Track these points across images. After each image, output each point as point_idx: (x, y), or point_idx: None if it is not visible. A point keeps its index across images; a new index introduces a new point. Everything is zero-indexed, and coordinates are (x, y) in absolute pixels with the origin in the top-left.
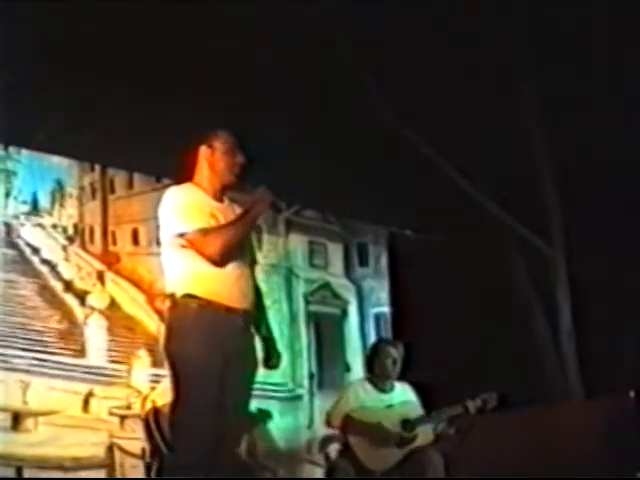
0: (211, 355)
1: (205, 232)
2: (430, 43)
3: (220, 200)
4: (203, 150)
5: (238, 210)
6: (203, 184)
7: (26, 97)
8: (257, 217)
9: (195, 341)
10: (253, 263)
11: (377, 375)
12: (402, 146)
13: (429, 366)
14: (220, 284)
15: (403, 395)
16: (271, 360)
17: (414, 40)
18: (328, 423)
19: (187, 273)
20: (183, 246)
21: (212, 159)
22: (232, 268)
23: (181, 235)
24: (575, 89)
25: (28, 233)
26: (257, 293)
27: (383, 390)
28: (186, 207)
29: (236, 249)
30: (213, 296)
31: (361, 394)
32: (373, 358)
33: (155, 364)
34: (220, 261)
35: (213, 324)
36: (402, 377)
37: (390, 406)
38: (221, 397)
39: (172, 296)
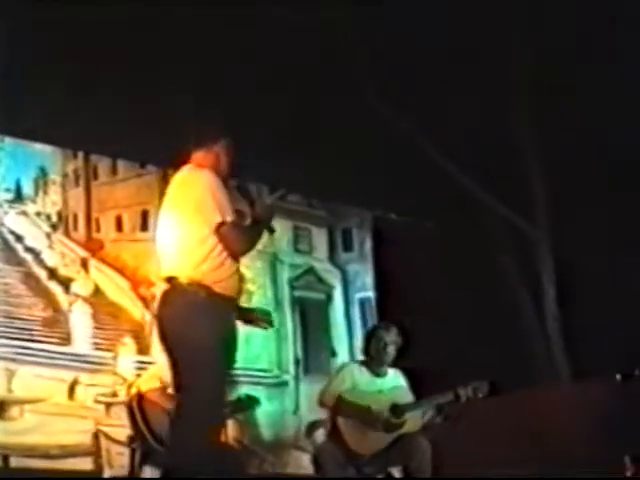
0: (214, 343)
1: (241, 228)
2: (417, 27)
3: None
4: (219, 147)
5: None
6: (215, 172)
7: (10, 86)
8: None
9: (200, 329)
10: None
11: (373, 359)
12: (385, 130)
13: (414, 351)
14: (223, 273)
15: (394, 380)
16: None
17: (403, 26)
18: (321, 402)
19: (199, 260)
20: (210, 233)
21: (228, 152)
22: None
23: (220, 224)
24: (562, 71)
25: (12, 221)
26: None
27: (377, 374)
28: (221, 196)
29: None
30: (217, 285)
31: (356, 376)
32: (370, 342)
33: (141, 351)
34: (241, 257)
35: (217, 313)
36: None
37: (380, 391)
38: (221, 384)
39: (173, 280)
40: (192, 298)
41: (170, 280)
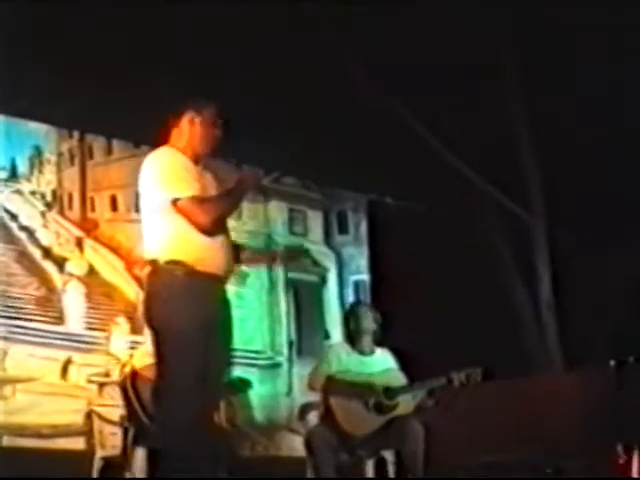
0: (196, 323)
1: (199, 202)
2: (412, 13)
3: (197, 164)
4: (188, 117)
5: (209, 176)
6: (182, 148)
7: (4, 64)
8: (246, 193)
9: (181, 309)
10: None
11: (352, 334)
12: (382, 114)
13: (407, 333)
14: (206, 251)
15: (385, 362)
16: None
17: (397, 11)
18: (310, 385)
19: (172, 239)
20: (173, 211)
21: (195, 127)
22: (217, 235)
23: (175, 201)
24: (556, 57)
25: (6, 199)
26: None
27: (362, 352)
28: (179, 172)
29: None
30: (198, 263)
31: (343, 357)
32: (349, 317)
33: (134, 331)
34: (211, 231)
35: (199, 292)
36: (380, 343)
37: (372, 374)
38: (205, 366)
39: (154, 262)
40: (169, 278)
41: (152, 262)
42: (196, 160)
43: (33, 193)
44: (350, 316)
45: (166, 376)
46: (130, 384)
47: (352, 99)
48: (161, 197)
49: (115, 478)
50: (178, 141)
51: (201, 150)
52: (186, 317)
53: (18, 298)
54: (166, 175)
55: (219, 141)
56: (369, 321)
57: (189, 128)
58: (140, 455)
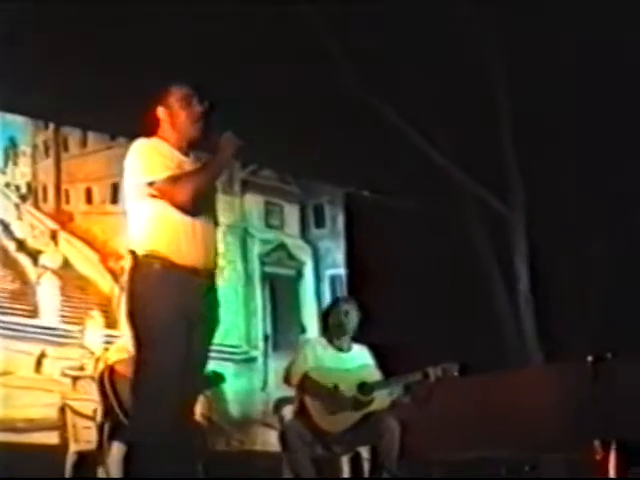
0: (175, 318)
1: (175, 179)
2: (395, 11)
3: (186, 155)
4: (160, 111)
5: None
6: (166, 137)
7: None
8: (226, 161)
9: (159, 303)
10: (216, 224)
11: (332, 329)
12: (362, 108)
13: (384, 328)
14: (186, 242)
15: (361, 358)
16: None
17: (381, 8)
18: (286, 380)
19: (150, 231)
20: (152, 196)
21: (170, 117)
22: (199, 226)
23: (150, 184)
24: (539, 56)
25: None
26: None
27: (340, 348)
28: (154, 157)
29: (204, 195)
30: (178, 255)
31: (319, 352)
32: (328, 313)
33: (108, 325)
34: (191, 207)
35: (177, 286)
36: (358, 339)
37: (348, 369)
38: (185, 360)
39: (133, 254)
40: (146, 270)
41: (131, 254)
42: (187, 146)
43: (7, 185)
44: (332, 310)
45: (142, 369)
46: (108, 379)
47: (331, 92)
48: (137, 183)
49: (100, 479)
50: (161, 131)
51: (187, 136)
52: (162, 310)
53: None
54: (141, 161)
55: (202, 114)
56: (352, 318)
57: (166, 115)
58: (115, 450)
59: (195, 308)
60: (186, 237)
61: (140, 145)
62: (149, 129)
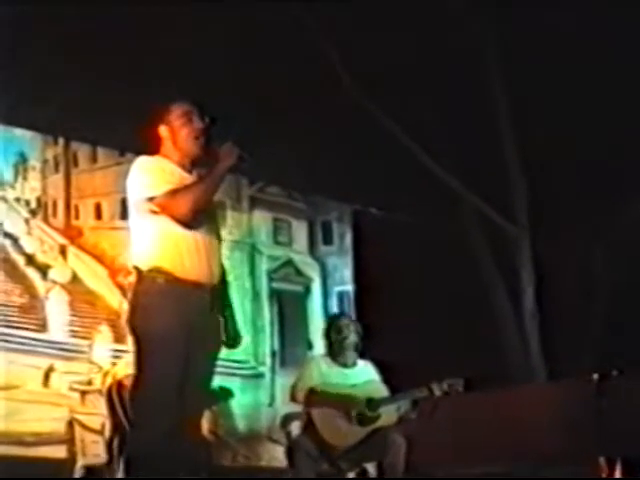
0: (176, 332)
1: (174, 193)
2: (394, 16)
3: (189, 172)
4: (162, 129)
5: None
6: (168, 155)
7: None
8: (225, 172)
9: (161, 317)
10: (219, 239)
11: (334, 346)
12: (368, 124)
13: (391, 345)
14: (189, 258)
15: (366, 374)
16: (229, 340)
17: (380, 13)
18: (292, 397)
19: (154, 246)
20: (153, 212)
21: (172, 134)
22: (202, 241)
23: (151, 199)
24: (543, 67)
25: None
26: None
27: (344, 365)
28: (155, 173)
29: (205, 206)
30: (181, 270)
31: (324, 369)
32: (329, 330)
33: (117, 339)
34: (191, 218)
35: (180, 300)
36: (364, 355)
37: (354, 385)
38: (185, 374)
39: (137, 269)
40: (150, 285)
41: (135, 269)
42: (190, 164)
43: (17, 200)
44: (331, 328)
45: (143, 383)
46: (116, 393)
47: (338, 109)
48: (139, 200)
49: (109, 479)
50: (163, 149)
51: (189, 153)
52: (165, 325)
53: (0, 305)
54: (143, 177)
55: (203, 130)
56: (350, 333)
57: (168, 133)
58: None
59: (197, 322)
60: (189, 252)
61: (142, 162)
62: (153, 147)
